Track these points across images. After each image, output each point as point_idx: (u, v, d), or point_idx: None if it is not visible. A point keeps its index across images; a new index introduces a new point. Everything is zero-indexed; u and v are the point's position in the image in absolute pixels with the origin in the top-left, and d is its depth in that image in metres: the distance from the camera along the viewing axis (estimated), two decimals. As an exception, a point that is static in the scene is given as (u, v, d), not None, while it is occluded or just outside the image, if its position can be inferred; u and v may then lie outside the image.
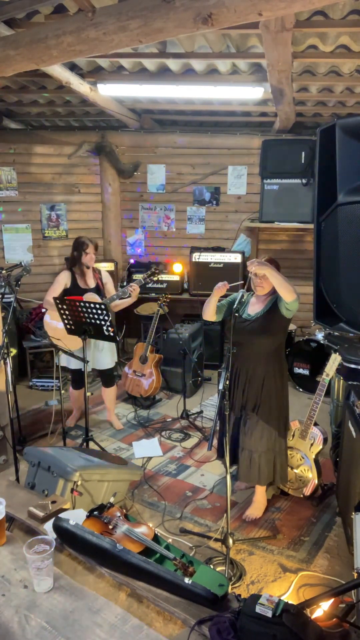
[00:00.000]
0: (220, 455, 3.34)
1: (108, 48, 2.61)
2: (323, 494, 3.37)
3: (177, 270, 5.91)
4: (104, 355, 4.20)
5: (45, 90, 4.83)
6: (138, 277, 5.87)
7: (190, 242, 6.23)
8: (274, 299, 3.02)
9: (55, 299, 3.52)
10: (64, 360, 4.14)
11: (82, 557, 1.93)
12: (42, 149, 5.98)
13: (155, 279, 4.37)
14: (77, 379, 4.35)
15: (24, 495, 2.40)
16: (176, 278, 5.85)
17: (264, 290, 3.05)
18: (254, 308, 3.11)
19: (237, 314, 2.95)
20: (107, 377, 4.36)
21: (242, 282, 3.09)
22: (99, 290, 4.12)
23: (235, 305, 2.98)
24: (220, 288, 3.01)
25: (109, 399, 4.45)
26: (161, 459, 3.96)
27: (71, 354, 3.58)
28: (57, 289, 4.03)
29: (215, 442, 3.33)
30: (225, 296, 3.11)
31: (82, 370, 4.12)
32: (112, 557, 1.84)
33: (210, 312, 3.15)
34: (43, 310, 5.57)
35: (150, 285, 5.66)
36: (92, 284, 4.13)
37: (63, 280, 4.07)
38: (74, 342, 3.72)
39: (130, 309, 4.74)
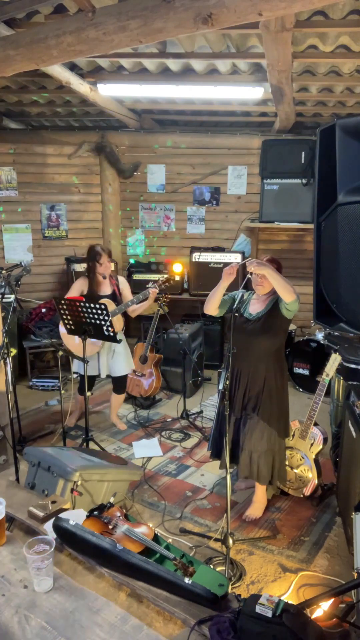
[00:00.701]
0: (214, 455, 3.33)
1: (108, 48, 2.60)
2: (323, 494, 3.37)
3: (177, 270, 5.91)
4: (119, 362, 4.16)
5: (45, 90, 4.83)
6: (138, 277, 5.81)
7: (190, 242, 6.23)
8: (275, 299, 3.01)
9: (55, 298, 3.52)
10: (76, 366, 4.13)
11: (82, 557, 1.93)
12: (42, 149, 5.98)
13: (169, 285, 4.36)
14: (88, 385, 4.34)
15: (24, 495, 2.40)
16: (176, 278, 5.85)
17: (265, 289, 3.02)
18: (255, 308, 3.09)
19: (237, 314, 2.93)
20: (120, 384, 4.33)
21: (248, 259, 2.86)
22: (115, 296, 4.05)
23: (236, 304, 2.97)
24: (230, 271, 2.84)
25: (117, 404, 4.45)
26: (161, 459, 3.96)
27: (71, 354, 3.58)
28: (72, 295, 4.00)
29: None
30: (227, 291, 3.04)
31: (97, 376, 4.15)
32: (112, 557, 1.84)
33: (214, 304, 3.04)
34: (43, 310, 5.58)
35: (150, 285, 5.67)
36: (108, 290, 4.06)
37: (79, 286, 4.04)
38: (89, 349, 3.69)
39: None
